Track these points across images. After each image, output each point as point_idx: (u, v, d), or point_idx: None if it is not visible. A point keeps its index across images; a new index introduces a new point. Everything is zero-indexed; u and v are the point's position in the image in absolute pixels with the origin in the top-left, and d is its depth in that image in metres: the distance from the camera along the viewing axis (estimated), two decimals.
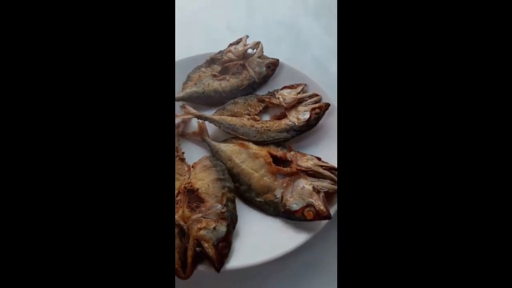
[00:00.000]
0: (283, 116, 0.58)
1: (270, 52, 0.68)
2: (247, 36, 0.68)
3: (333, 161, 0.52)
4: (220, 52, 0.67)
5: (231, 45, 0.67)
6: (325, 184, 0.49)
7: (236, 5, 0.84)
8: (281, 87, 0.62)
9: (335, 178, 0.50)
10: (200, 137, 0.58)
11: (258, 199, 0.50)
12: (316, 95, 0.59)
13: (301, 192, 0.48)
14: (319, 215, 0.46)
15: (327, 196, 0.48)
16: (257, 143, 0.56)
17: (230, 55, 0.66)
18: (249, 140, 0.56)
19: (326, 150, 0.55)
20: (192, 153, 0.57)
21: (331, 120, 0.57)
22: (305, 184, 0.49)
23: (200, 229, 0.44)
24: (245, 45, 0.66)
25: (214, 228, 0.44)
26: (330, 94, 0.59)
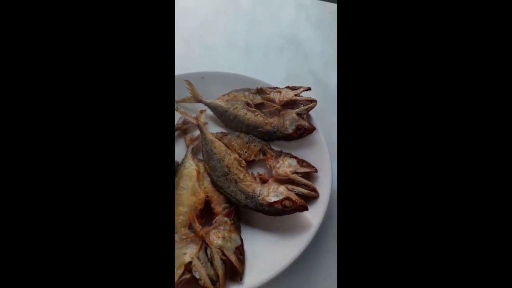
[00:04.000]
0: (265, 180, 0.51)
1: (271, 65, 0.73)
2: (309, 89, 0.60)
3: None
4: (274, 88, 0.62)
5: (287, 87, 0.61)
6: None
7: (237, 20, 0.83)
8: (290, 155, 0.54)
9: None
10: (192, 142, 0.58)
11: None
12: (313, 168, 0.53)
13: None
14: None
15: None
16: (214, 184, 0.51)
17: (277, 95, 0.60)
18: (210, 175, 0.52)
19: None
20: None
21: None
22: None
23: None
24: (297, 95, 0.59)
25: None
26: (331, 106, 0.61)
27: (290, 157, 0.53)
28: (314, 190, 0.49)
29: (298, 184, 0.49)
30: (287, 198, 0.46)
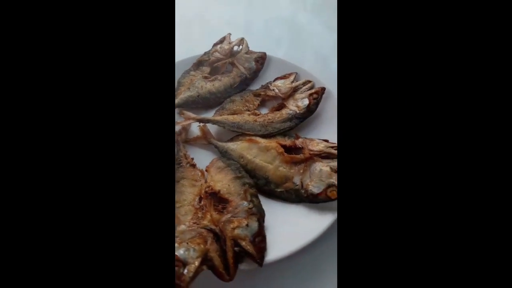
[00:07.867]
0: (281, 106, 0.58)
1: (270, 49, 0.68)
2: (230, 34, 0.66)
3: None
4: (206, 53, 0.65)
5: (215, 45, 0.66)
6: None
7: (236, 2, 0.83)
8: (273, 79, 0.61)
9: None
10: (206, 140, 0.56)
11: (278, 190, 0.49)
12: (309, 81, 0.60)
13: (320, 175, 0.47)
14: None
15: None
16: (263, 136, 0.54)
17: (217, 55, 0.64)
18: (255, 135, 0.54)
19: (328, 134, 0.53)
20: (200, 158, 0.53)
21: (328, 106, 0.58)
22: (321, 166, 0.48)
23: (233, 228, 0.42)
24: (230, 43, 0.65)
25: (247, 225, 0.42)
26: (330, 86, 0.58)
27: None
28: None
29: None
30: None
